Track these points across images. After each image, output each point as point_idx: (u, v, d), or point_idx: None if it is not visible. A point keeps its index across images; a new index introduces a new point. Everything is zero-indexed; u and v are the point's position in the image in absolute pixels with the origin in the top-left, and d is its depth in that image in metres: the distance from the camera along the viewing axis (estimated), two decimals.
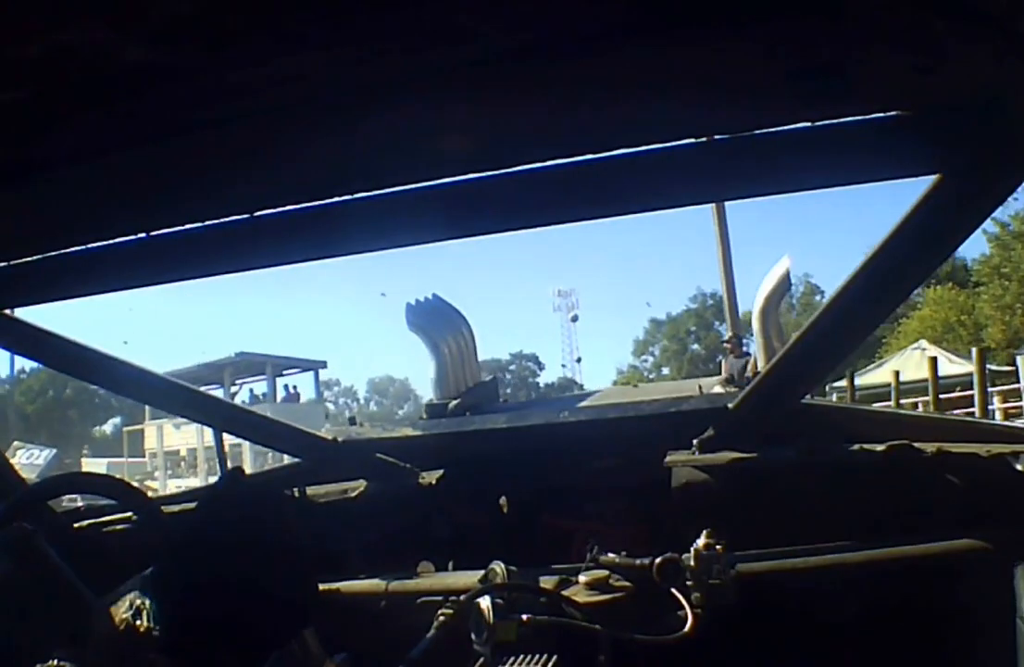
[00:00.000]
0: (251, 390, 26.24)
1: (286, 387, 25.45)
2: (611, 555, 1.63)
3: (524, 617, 1.43)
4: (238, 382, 26.31)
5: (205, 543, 1.39)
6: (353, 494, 2.02)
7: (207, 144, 1.18)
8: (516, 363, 62.38)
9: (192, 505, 2.08)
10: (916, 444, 1.67)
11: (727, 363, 11.41)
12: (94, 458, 28.27)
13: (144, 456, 26.38)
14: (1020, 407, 14.92)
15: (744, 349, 12.32)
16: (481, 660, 1.40)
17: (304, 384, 26.49)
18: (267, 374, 24.65)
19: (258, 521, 1.44)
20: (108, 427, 34.31)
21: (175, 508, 2.06)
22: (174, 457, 25.52)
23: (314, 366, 26.20)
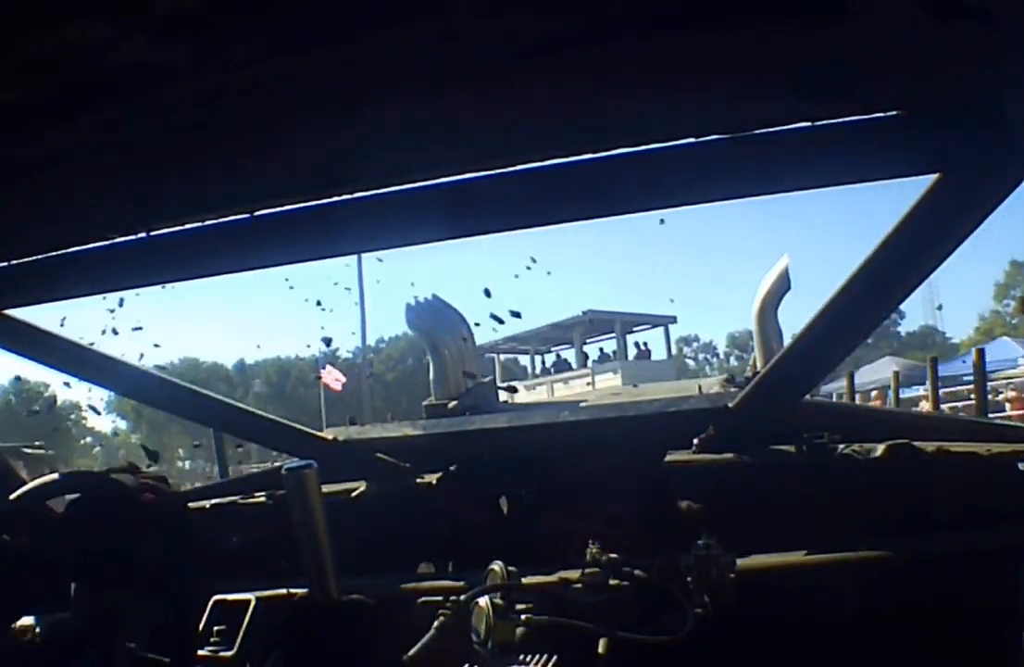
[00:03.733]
0: (600, 349, 25.73)
1: (636, 344, 24.87)
2: (611, 555, 1.63)
3: (524, 617, 1.43)
4: (588, 341, 25.89)
5: None
6: (353, 494, 2.02)
7: (207, 144, 1.18)
8: None
9: (189, 505, 2.08)
10: (916, 444, 1.67)
11: None
12: None
13: None
14: None
15: None
16: (481, 660, 1.40)
17: (656, 340, 25.62)
18: (616, 332, 24.11)
19: None
20: None
21: None
22: None
23: (663, 321, 25.09)
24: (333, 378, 21.03)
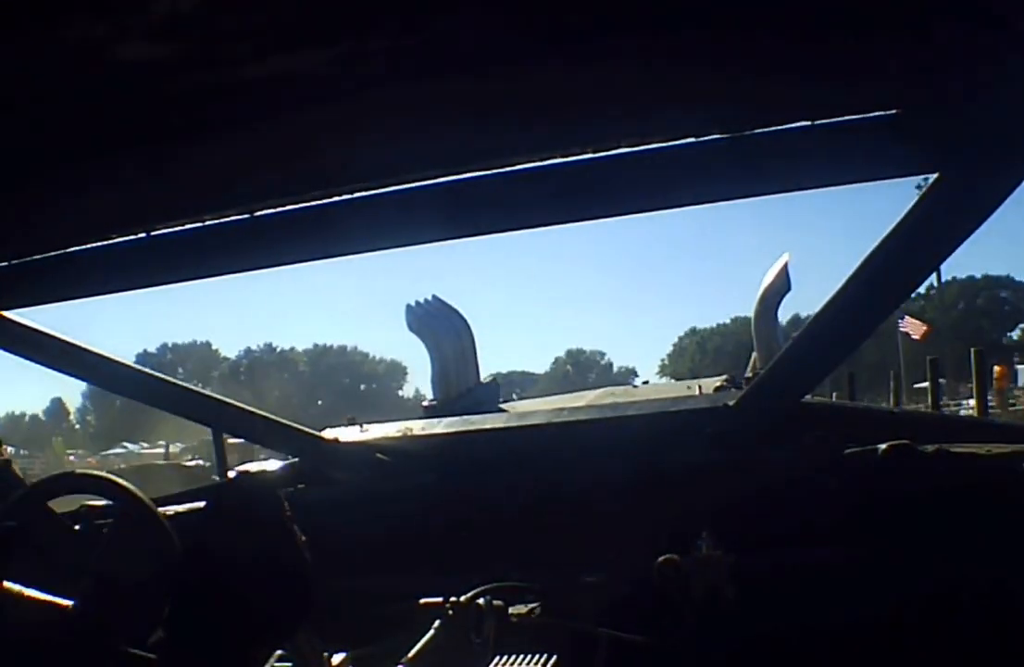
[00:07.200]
0: None
1: None
2: (611, 555, 1.63)
3: (524, 616, 1.43)
4: None
5: (210, 552, 1.40)
6: (352, 494, 2.02)
7: (207, 144, 1.18)
8: None
9: (191, 505, 2.07)
10: (916, 444, 1.67)
11: None
12: None
13: None
14: None
15: None
16: (481, 660, 1.40)
17: None
18: None
19: (260, 529, 1.45)
20: (1016, 333, 36.34)
21: (174, 510, 2.06)
22: None
23: None
24: (914, 328, 22.99)
